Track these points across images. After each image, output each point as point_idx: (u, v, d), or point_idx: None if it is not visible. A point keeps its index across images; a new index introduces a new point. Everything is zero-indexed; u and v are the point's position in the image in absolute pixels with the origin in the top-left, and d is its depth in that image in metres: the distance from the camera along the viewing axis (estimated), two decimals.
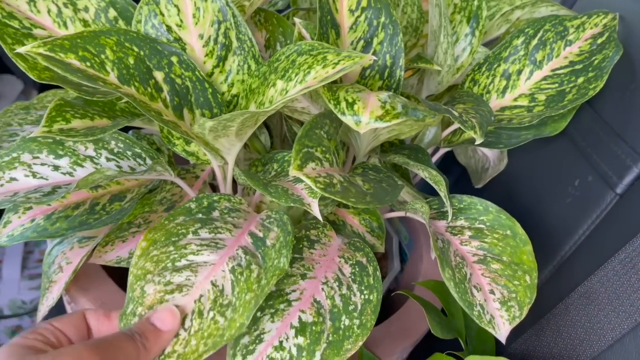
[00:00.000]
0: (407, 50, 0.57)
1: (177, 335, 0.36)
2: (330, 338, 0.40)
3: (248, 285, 0.38)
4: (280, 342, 0.39)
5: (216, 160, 0.46)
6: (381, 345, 0.51)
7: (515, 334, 0.53)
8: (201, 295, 0.38)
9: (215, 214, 0.42)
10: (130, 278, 0.38)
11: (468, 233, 0.48)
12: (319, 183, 0.38)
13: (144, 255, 0.39)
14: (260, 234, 0.42)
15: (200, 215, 0.41)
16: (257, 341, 0.39)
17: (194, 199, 0.42)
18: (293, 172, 0.37)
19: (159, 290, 0.37)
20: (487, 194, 0.51)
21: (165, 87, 0.43)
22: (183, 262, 0.39)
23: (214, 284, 0.38)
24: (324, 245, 0.47)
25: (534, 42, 0.53)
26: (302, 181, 0.43)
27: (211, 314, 0.37)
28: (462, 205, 0.49)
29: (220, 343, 0.36)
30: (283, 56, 0.42)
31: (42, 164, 0.44)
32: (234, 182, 0.51)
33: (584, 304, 0.45)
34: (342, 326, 0.40)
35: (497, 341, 0.52)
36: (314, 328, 0.40)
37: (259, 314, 0.40)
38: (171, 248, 0.39)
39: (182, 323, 0.37)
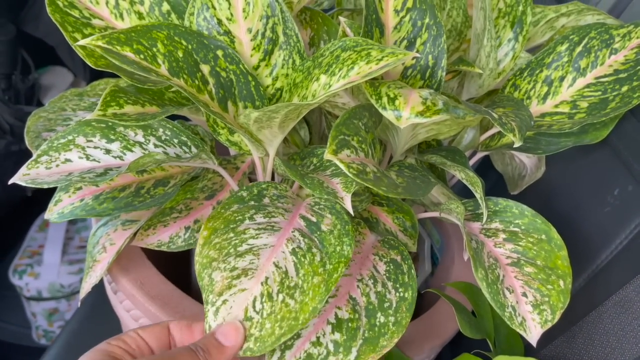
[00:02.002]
0: (449, 54, 0.57)
1: (250, 319, 0.37)
2: (366, 334, 0.40)
3: (313, 269, 0.39)
4: (318, 338, 0.40)
5: (257, 151, 0.47)
6: (409, 343, 0.52)
7: (545, 340, 0.52)
8: (267, 278, 0.38)
9: (266, 200, 0.43)
10: (197, 267, 0.39)
11: (502, 236, 0.48)
12: (352, 169, 0.38)
13: (207, 243, 0.40)
14: (314, 219, 0.43)
15: (252, 202, 0.43)
16: (295, 336, 0.40)
17: (245, 188, 0.43)
18: (328, 155, 0.38)
19: (226, 276, 0.38)
20: (523, 201, 0.51)
21: (211, 80, 0.45)
22: (244, 246, 0.40)
23: (277, 266, 0.39)
24: (358, 243, 0.48)
25: (579, 49, 0.53)
26: (339, 176, 0.44)
27: (280, 296, 0.38)
28: (497, 208, 0.49)
29: (296, 327, 0.37)
30: (327, 52, 0.43)
31: (95, 147, 0.46)
32: (272, 176, 0.52)
33: (618, 312, 0.45)
34: (378, 323, 0.41)
35: (526, 347, 0.51)
36: (350, 324, 0.41)
37: None
38: (231, 234, 0.41)
39: (253, 306, 0.37)
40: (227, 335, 0.36)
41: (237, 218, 0.41)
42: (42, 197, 0.49)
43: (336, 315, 0.41)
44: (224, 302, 0.38)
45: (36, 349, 1.11)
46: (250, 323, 0.37)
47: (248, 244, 0.40)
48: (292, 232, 0.41)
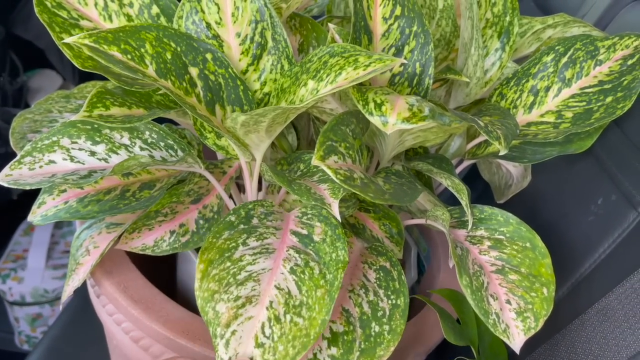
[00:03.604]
0: (437, 63, 0.58)
1: (261, 345, 0.37)
2: (362, 346, 0.40)
3: (315, 282, 0.39)
4: (315, 355, 0.39)
5: (244, 156, 0.47)
6: (394, 351, 0.51)
7: (529, 348, 0.52)
8: (271, 302, 0.38)
9: (255, 221, 0.43)
10: (199, 302, 0.39)
11: (487, 243, 0.48)
12: (339, 175, 0.38)
13: (205, 277, 0.39)
14: (305, 231, 0.43)
15: (242, 226, 0.42)
16: None
17: (232, 212, 0.43)
18: (315, 161, 0.38)
19: (231, 307, 0.38)
20: (510, 209, 0.51)
21: (199, 83, 0.45)
22: (243, 274, 0.40)
23: (278, 288, 0.39)
24: None
25: (564, 59, 0.54)
26: (326, 182, 0.44)
27: (288, 317, 0.37)
28: (482, 216, 0.50)
29: (309, 343, 0.36)
30: (315, 57, 0.43)
31: (80, 149, 0.46)
32: (259, 181, 0.52)
33: (600, 320, 0.45)
34: (373, 333, 0.41)
35: (510, 355, 0.52)
36: (345, 337, 0.40)
37: None
38: (228, 264, 0.40)
39: (262, 332, 0.37)
40: None
41: (230, 246, 0.41)
42: (27, 200, 0.49)
43: (331, 329, 0.40)
44: (233, 332, 0.37)
45: (19, 354, 1.10)
46: (262, 350, 0.36)
47: (246, 271, 0.40)
48: (287, 250, 0.41)
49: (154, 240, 0.49)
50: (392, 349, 0.40)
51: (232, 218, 0.43)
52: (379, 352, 0.40)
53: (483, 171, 0.69)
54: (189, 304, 0.50)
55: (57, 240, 1.14)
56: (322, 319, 0.37)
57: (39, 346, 0.76)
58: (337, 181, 0.38)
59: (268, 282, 0.39)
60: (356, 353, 0.39)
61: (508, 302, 0.44)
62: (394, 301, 0.42)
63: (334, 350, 0.39)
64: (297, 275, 0.39)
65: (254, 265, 0.40)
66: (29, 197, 0.48)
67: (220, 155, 0.55)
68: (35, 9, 0.45)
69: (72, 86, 1.13)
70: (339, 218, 0.41)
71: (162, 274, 0.58)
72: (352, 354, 0.39)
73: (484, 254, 0.47)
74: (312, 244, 0.41)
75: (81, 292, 0.80)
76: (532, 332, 0.42)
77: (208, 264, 0.40)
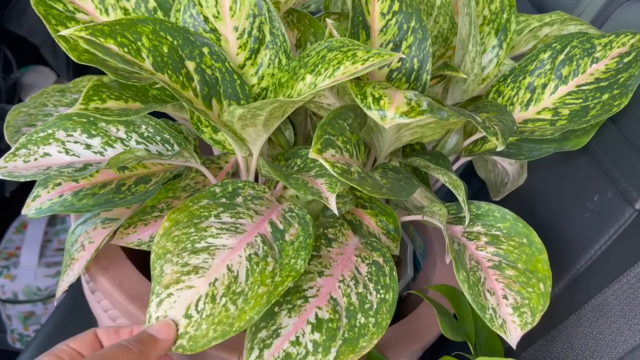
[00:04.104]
0: (435, 60, 0.58)
1: (189, 317, 0.37)
2: (346, 335, 0.40)
3: (262, 278, 0.39)
4: (297, 338, 0.39)
5: (241, 150, 0.47)
6: (390, 346, 0.51)
7: (525, 343, 0.52)
8: (216, 279, 0.38)
9: (239, 199, 0.43)
10: (152, 256, 0.39)
11: (484, 239, 0.48)
12: (336, 168, 0.38)
13: (166, 234, 0.40)
14: (281, 226, 0.43)
15: (223, 200, 0.42)
16: (274, 335, 0.39)
17: (219, 183, 0.43)
18: (312, 154, 0.38)
19: (176, 270, 0.38)
20: (506, 206, 0.51)
21: (196, 77, 0.45)
22: (202, 244, 0.40)
23: (229, 269, 0.39)
24: (341, 244, 0.48)
25: (561, 57, 0.54)
26: (323, 176, 0.44)
27: (223, 300, 0.38)
28: (479, 212, 0.50)
29: (229, 333, 0.37)
30: (314, 52, 0.43)
31: (75, 142, 0.46)
32: (256, 176, 0.52)
33: (596, 316, 0.45)
34: (358, 324, 0.41)
35: (507, 350, 0.52)
36: (330, 325, 0.40)
37: (276, 309, 0.41)
38: (192, 230, 0.40)
39: (196, 305, 0.37)
40: (160, 331, 0.37)
41: (202, 214, 0.41)
42: (20, 198, 0.48)
43: (316, 315, 0.40)
44: (169, 295, 0.37)
45: (11, 352, 1.09)
46: (188, 321, 0.37)
47: (206, 242, 0.40)
48: (256, 237, 0.41)
49: (150, 235, 0.49)
50: (376, 341, 0.40)
51: (217, 190, 0.43)
52: (361, 343, 0.40)
53: (479, 169, 0.70)
54: None
55: (50, 238, 1.13)
56: (251, 316, 0.37)
57: (31, 344, 0.76)
58: (335, 174, 0.38)
59: (223, 259, 0.39)
60: (339, 341, 0.39)
61: (505, 297, 0.44)
62: (382, 295, 0.42)
63: (316, 336, 0.39)
64: (251, 264, 0.39)
65: (216, 239, 0.40)
66: (21, 194, 0.48)
67: (216, 150, 0.55)
68: (31, 1, 0.45)
69: (67, 82, 1.12)
70: (336, 212, 0.41)
71: None
72: (334, 342, 0.39)
73: (481, 250, 0.47)
74: (280, 241, 0.41)
75: (74, 290, 0.79)
76: (529, 327, 0.42)
77: (174, 223, 0.40)
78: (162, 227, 0.40)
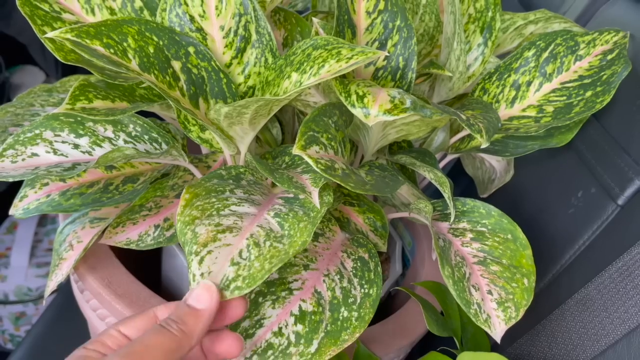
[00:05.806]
0: (421, 58, 0.58)
1: (236, 263, 0.36)
2: (328, 328, 0.41)
3: (298, 219, 0.39)
4: (280, 329, 0.40)
5: (229, 148, 0.47)
6: (378, 342, 0.52)
7: (510, 338, 0.53)
8: (252, 234, 0.38)
9: (243, 182, 0.43)
10: (178, 226, 0.38)
11: (469, 235, 0.49)
12: (320, 164, 0.39)
13: (189, 205, 0.39)
14: (290, 195, 0.43)
15: (231, 181, 0.43)
16: (257, 326, 0.40)
17: (223, 167, 0.43)
18: (296, 150, 0.38)
19: (211, 230, 0.37)
20: (493, 203, 0.52)
21: (182, 77, 0.45)
22: (227, 211, 0.39)
23: (261, 227, 0.38)
24: (328, 239, 0.48)
25: (545, 54, 0.55)
26: (309, 173, 0.44)
27: (267, 243, 0.37)
28: (465, 208, 0.50)
29: (286, 258, 0.36)
30: (299, 50, 0.43)
31: (63, 142, 0.46)
32: None
33: (579, 310, 0.46)
34: (341, 317, 0.41)
35: (492, 346, 0.52)
36: (313, 317, 0.41)
37: (260, 299, 0.41)
38: (214, 199, 0.40)
39: (239, 255, 0.36)
40: (200, 298, 0.33)
41: (218, 189, 0.41)
42: (8, 199, 0.48)
43: (300, 307, 0.41)
44: (209, 252, 0.36)
45: (2, 353, 1.08)
46: (237, 267, 0.36)
47: (231, 210, 0.39)
48: (273, 205, 0.41)
49: (139, 234, 0.49)
50: (358, 335, 0.40)
51: (223, 172, 0.43)
52: (344, 336, 0.40)
53: (467, 166, 0.70)
54: (174, 298, 0.50)
55: (40, 238, 1.13)
56: (303, 240, 0.37)
57: (22, 344, 0.76)
58: (318, 170, 0.38)
59: (251, 222, 0.39)
60: (321, 333, 0.40)
61: (489, 292, 0.44)
62: (366, 290, 0.43)
63: (299, 327, 0.40)
64: (280, 217, 0.39)
65: (238, 207, 0.40)
66: (10, 195, 0.48)
67: (204, 149, 0.55)
68: (17, 2, 0.45)
69: (55, 81, 1.12)
70: (319, 206, 0.41)
71: (147, 268, 0.58)
72: (316, 334, 0.40)
73: (466, 246, 0.48)
74: (297, 201, 0.41)
75: (64, 289, 0.79)
76: (513, 321, 0.43)
77: (193, 195, 0.39)
78: (183, 199, 0.39)
